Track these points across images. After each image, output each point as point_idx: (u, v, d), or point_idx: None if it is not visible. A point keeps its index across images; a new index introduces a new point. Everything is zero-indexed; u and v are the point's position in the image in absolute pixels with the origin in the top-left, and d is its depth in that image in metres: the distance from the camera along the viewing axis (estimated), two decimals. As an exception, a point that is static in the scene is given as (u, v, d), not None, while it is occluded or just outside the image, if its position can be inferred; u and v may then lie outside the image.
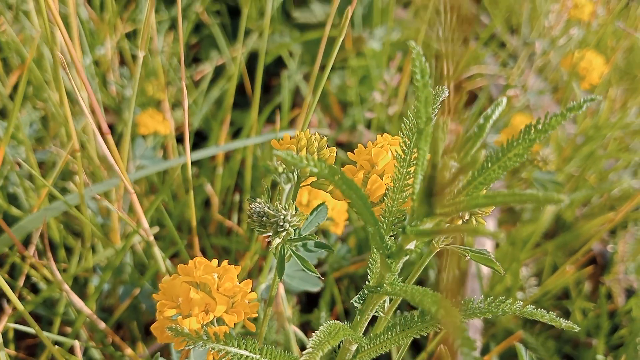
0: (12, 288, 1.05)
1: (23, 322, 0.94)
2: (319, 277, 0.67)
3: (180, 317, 0.60)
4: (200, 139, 1.66)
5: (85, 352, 1.04)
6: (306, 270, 0.60)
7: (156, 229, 1.08)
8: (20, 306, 0.72)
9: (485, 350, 1.22)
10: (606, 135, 1.37)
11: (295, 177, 0.62)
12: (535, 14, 1.64)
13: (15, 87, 1.30)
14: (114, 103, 1.47)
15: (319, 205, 0.67)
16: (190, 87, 1.62)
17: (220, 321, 0.63)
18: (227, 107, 1.34)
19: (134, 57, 1.57)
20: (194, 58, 1.85)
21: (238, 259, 1.33)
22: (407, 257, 0.51)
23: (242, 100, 1.70)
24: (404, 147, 0.56)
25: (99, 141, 0.80)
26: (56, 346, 0.78)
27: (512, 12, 1.93)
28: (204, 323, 0.60)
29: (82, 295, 1.17)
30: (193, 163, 1.34)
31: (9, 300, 1.02)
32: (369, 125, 1.66)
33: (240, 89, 1.63)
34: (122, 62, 1.57)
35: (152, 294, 1.11)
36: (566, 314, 1.36)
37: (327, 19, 1.78)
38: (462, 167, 0.43)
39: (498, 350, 0.99)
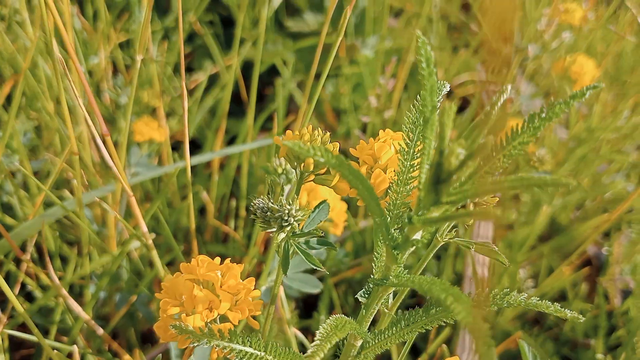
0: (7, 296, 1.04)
1: (18, 331, 0.92)
2: (319, 279, 0.67)
3: (184, 315, 0.60)
4: (194, 147, 1.66)
5: (83, 359, 1.03)
6: (310, 265, 0.60)
7: (152, 235, 1.07)
8: (20, 308, 0.71)
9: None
10: (599, 138, 1.38)
11: (298, 172, 0.62)
12: (526, 20, 1.66)
13: (8, 98, 1.30)
14: (107, 113, 1.46)
15: (320, 203, 0.67)
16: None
17: (223, 319, 0.62)
18: (222, 115, 1.34)
19: (127, 67, 1.57)
20: (187, 67, 1.85)
21: (235, 266, 1.32)
22: (413, 247, 0.51)
23: (236, 109, 1.70)
24: (407, 140, 0.56)
25: (98, 144, 0.80)
26: (55, 351, 0.77)
27: (502, 20, 1.95)
28: (208, 320, 0.60)
29: (79, 304, 1.16)
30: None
31: (3, 309, 1.01)
32: (364, 129, 1.66)
33: (234, 99, 1.63)
34: (115, 72, 1.57)
35: (149, 301, 1.11)
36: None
37: (320, 28, 1.80)
38: (469, 154, 0.43)
39: (497, 352, 0.99)
